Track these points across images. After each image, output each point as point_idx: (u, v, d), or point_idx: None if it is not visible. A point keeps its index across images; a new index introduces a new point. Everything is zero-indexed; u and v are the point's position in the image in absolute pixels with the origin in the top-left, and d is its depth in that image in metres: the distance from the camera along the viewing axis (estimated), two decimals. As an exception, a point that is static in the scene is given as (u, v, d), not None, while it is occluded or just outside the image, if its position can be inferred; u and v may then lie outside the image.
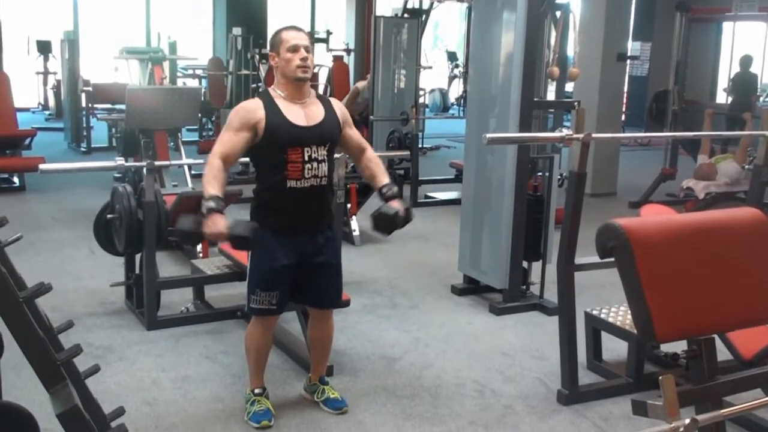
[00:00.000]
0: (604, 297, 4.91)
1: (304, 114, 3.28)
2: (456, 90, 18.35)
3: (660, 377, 1.90)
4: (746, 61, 10.78)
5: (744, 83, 10.78)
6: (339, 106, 3.46)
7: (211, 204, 3.08)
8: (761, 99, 13.49)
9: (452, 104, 18.27)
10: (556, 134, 3.77)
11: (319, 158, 3.27)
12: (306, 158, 3.23)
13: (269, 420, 3.40)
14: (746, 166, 7.48)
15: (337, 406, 3.55)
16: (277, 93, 3.30)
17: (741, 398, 2.23)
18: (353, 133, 3.50)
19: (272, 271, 3.29)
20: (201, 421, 3.45)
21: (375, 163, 3.52)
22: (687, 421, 1.87)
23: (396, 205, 3.35)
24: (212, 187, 3.13)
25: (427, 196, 8.73)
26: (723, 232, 2.36)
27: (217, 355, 4.18)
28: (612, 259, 2.29)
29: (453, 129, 13.62)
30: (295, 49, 3.23)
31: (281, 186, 3.23)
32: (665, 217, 3.15)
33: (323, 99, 3.43)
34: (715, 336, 2.27)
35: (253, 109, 3.25)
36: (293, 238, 3.30)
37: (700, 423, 1.91)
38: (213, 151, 3.22)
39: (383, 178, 3.46)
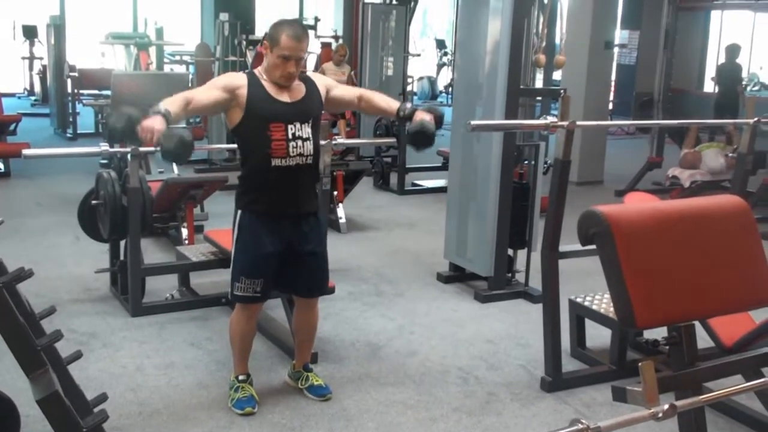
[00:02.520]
0: (589, 285, 4.92)
1: (286, 92, 3.28)
2: (445, 78, 18.32)
3: (639, 364, 1.91)
4: (733, 49, 10.73)
5: (730, 73, 10.77)
6: (319, 78, 3.49)
7: (160, 108, 2.99)
8: (748, 88, 13.53)
9: (441, 92, 18.25)
10: (541, 122, 3.77)
11: (304, 136, 3.26)
12: (290, 136, 3.22)
13: (253, 407, 3.40)
14: (730, 154, 7.51)
15: (322, 393, 3.56)
16: (262, 76, 3.30)
17: (721, 385, 2.24)
18: (342, 91, 3.54)
19: (257, 258, 3.28)
20: (185, 407, 3.44)
21: (377, 98, 3.53)
22: (666, 406, 1.88)
23: (423, 117, 3.33)
24: (167, 103, 3.05)
25: (413, 184, 8.73)
26: (705, 219, 2.37)
27: (202, 341, 4.17)
28: (595, 247, 2.29)
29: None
30: (286, 59, 3.19)
31: (266, 164, 3.22)
32: (647, 204, 3.16)
33: (304, 78, 3.42)
34: (696, 323, 2.28)
35: (237, 77, 3.29)
36: (278, 221, 3.28)
37: (679, 409, 1.92)
38: (181, 93, 3.21)
39: (393, 104, 3.49)
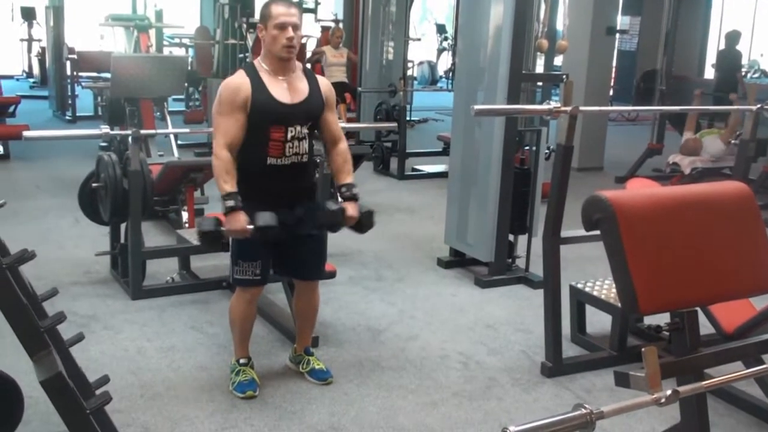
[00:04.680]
0: (590, 271, 4.93)
1: (288, 90, 3.25)
2: (445, 63, 18.27)
3: (642, 349, 1.91)
4: (733, 36, 10.71)
5: (729, 60, 10.75)
6: (325, 85, 3.42)
7: (231, 203, 3.10)
8: (748, 75, 13.50)
9: (441, 77, 18.21)
10: (544, 107, 3.77)
11: (301, 136, 3.26)
12: (288, 137, 3.22)
13: (254, 390, 3.41)
14: (732, 141, 7.51)
15: (322, 377, 3.57)
16: (262, 66, 3.27)
17: (722, 371, 2.25)
18: (332, 119, 3.43)
19: (253, 240, 3.27)
20: (186, 390, 3.45)
21: (344, 159, 3.41)
22: (668, 392, 1.88)
23: (346, 206, 3.28)
24: (226, 183, 3.12)
25: (414, 169, 8.72)
26: (708, 205, 2.36)
27: (203, 325, 4.18)
28: (597, 233, 2.29)
29: (441, 102, 13.57)
30: (282, 26, 3.18)
31: (261, 163, 3.22)
32: (651, 189, 3.16)
33: (309, 75, 3.39)
34: (698, 309, 2.28)
35: (238, 88, 3.19)
36: (273, 209, 3.27)
37: (682, 394, 1.92)
38: (216, 142, 3.18)
39: (347, 177, 3.39)
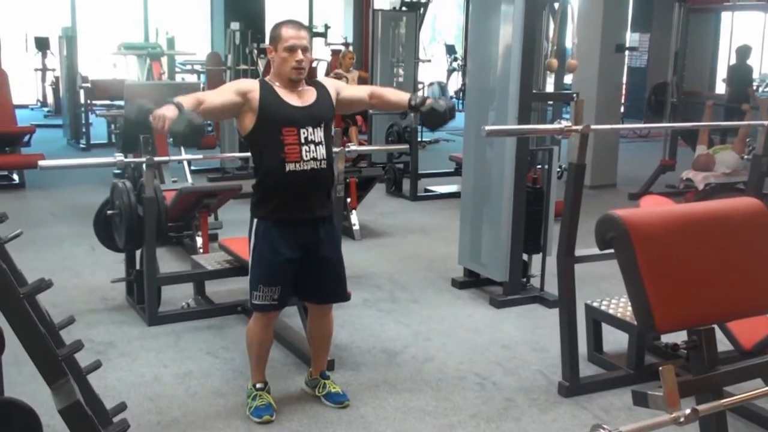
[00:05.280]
0: (605, 289, 4.91)
1: (297, 96, 3.32)
2: (455, 83, 18.33)
3: (660, 368, 1.90)
4: (744, 51, 10.70)
5: (740, 75, 10.73)
6: (329, 82, 3.52)
7: (172, 99, 3.13)
8: (760, 89, 13.47)
9: (451, 97, 18.24)
10: (555, 126, 3.77)
11: (316, 140, 3.28)
12: (302, 140, 3.24)
13: (271, 414, 3.41)
14: (745, 156, 7.48)
15: (339, 401, 3.56)
16: (273, 83, 3.34)
17: (741, 388, 2.23)
18: (352, 91, 3.62)
19: (274, 265, 3.29)
20: (203, 416, 3.45)
21: (388, 92, 3.62)
22: (687, 411, 1.87)
23: (432, 104, 3.48)
24: (179, 98, 3.16)
25: (426, 190, 8.72)
26: (722, 221, 2.36)
27: (218, 350, 4.18)
28: (612, 251, 2.29)
29: (452, 122, 13.58)
30: (291, 49, 3.24)
31: (280, 170, 3.23)
32: (664, 207, 3.15)
33: (315, 83, 3.46)
34: (715, 326, 2.27)
35: (249, 82, 3.36)
36: (294, 228, 3.29)
37: (701, 413, 1.91)
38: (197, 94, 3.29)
39: (404, 96, 3.57)
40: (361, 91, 3.65)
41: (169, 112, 3.05)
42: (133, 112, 3.11)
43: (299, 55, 3.24)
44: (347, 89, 3.59)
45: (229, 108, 3.28)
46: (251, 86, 3.29)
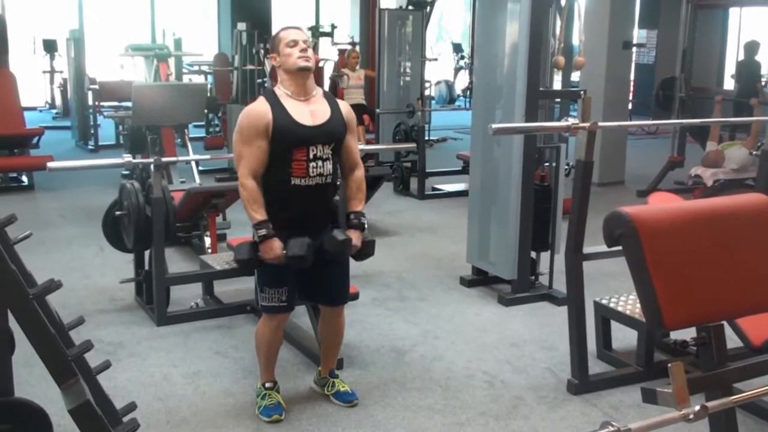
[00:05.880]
0: (613, 286, 4.90)
1: (310, 113, 3.26)
2: (462, 81, 18.31)
3: (669, 365, 1.90)
4: (752, 47, 10.68)
5: (749, 70, 10.70)
6: (345, 108, 3.42)
7: (263, 231, 3.16)
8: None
9: (458, 96, 18.24)
10: (563, 123, 3.76)
11: (324, 156, 3.26)
12: (311, 157, 3.23)
13: (280, 414, 3.41)
14: (754, 152, 7.45)
15: (348, 399, 3.56)
16: (282, 91, 3.29)
17: (751, 385, 2.23)
18: (352, 145, 3.43)
19: (278, 267, 3.28)
20: (212, 415, 3.46)
21: (358, 186, 3.43)
22: (697, 408, 1.87)
23: (352, 234, 3.31)
24: (256, 211, 3.18)
25: (434, 188, 8.73)
26: (731, 218, 2.35)
27: (228, 350, 4.19)
28: (620, 248, 2.28)
29: (459, 121, 13.59)
30: (293, 43, 3.24)
31: (286, 184, 3.23)
32: (672, 204, 3.14)
33: (330, 98, 3.41)
34: (724, 323, 2.26)
35: (260, 114, 3.21)
36: (299, 234, 3.29)
37: (710, 410, 1.91)
38: (240, 172, 3.20)
39: (358, 205, 3.41)
40: (355, 157, 3.44)
41: (274, 248, 3.17)
42: (245, 254, 3.28)
43: (302, 45, 3.24)
44: (353, 139, 3.43)
45: (264, 151, 3.21)
46: (263, 115, 3.19)
